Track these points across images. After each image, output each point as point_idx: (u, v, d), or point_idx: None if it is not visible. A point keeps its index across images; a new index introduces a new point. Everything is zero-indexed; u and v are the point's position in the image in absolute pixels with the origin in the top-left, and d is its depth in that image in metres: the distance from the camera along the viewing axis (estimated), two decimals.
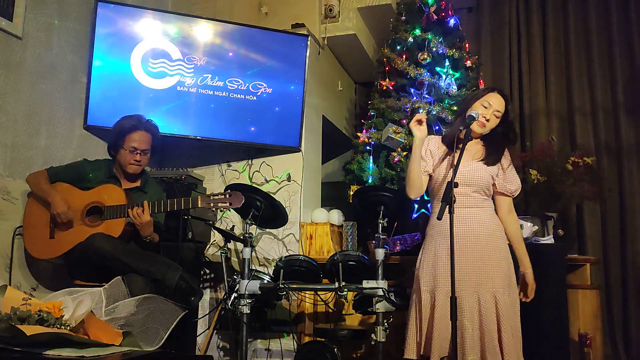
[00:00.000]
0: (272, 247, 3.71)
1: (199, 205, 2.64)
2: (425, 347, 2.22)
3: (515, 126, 2.48)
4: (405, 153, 3.55)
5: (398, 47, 3.85)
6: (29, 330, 1.56)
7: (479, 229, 2.27)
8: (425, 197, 3.40)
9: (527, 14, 4.56)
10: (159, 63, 3.51)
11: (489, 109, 2.31)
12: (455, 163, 2.10)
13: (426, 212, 3.49)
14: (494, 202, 2.40)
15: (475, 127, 2.28)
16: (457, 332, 2.13)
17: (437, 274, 2.26)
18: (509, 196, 2.38)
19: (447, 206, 1.97)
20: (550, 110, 4.36)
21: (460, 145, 2.14)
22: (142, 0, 3.71)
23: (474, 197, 2.31)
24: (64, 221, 2.68)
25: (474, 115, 2.24)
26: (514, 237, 2.36)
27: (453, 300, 1.90)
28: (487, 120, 2.31)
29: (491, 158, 2.34)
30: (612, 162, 4.17)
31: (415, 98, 3.65)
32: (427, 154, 2.44)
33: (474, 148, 2.38)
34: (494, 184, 2.35)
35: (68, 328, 1.70)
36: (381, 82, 3.85)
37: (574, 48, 4.39)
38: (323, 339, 3.03)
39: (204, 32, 3.63)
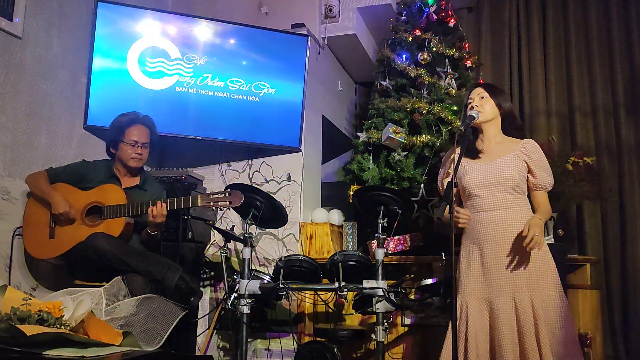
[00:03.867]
0: (272, 247, 3.70)
1: (199, 204, 2.64)
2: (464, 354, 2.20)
3: (516, 116, 2.49)
4: (405, 153, 3.55)
5: (398, 47, 3.85)
6: (29, 330, 1.56)
7: (511, 231, 2.23)
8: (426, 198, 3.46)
9: (527, 14, 4.56)
10: (157, 62, 3.50)
11: (473, 101, 2.38)
12: (456, 163, 2.10)
13: (426, 212, 3.49)
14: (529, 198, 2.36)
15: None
16: (495, 338, 2.15)
17: (470, 280, 2.26)
18: (542, 190, 2.33)
19: (448, 206, 1.98)
20: (550, 110, 4.36)
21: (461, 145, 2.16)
22: (142, 0, 3.71)
23: (501, 197, 2.27)
24: (67, 220, 2.68)
25: (474, 115, 2.27)
26: (539, 209, 2.29)
27: (454, 303, 1.91)
28: (477, 106, 2.35)
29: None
30: (612, 162, 4.17)
31: (415, 98, 3.65)
32: (451, 166, 2.44)
33: (498, 147, 2.37)
34: (528, 180, 2.32)
35: (68, 328, 1.70)
36: (381, 82, 3.85)
37: (574, 48, 4.39)
38: (323, 339, 3.02)
39: (204, 32, 3.63)
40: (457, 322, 2.23)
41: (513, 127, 2.42)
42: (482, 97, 2.37)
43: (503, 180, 2.27)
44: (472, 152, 2.38)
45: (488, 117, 2.37)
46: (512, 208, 2.27)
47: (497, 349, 2.13)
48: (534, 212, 2.31)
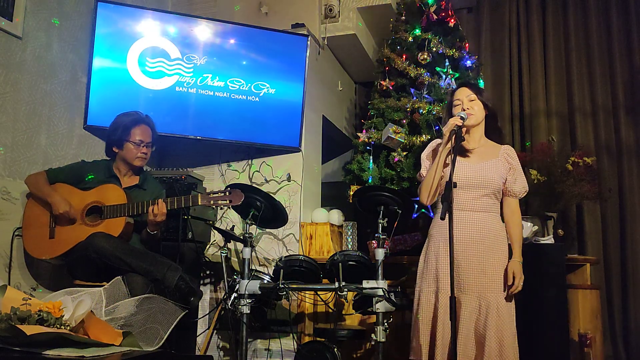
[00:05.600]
0: (272, 247, 3.70)
1: (200, 203, 2.65)
2: (430, 350, 2.21)
3: (499, 121, 2.51)
4: (405, 153, 3.55)
5: (398, 47, 3.85)
6: (29, 330, 1.56)
7: (483, 234, 2.25)
8: None
9: (527, 14, 4.56)
10: (157, 62, 3.50)
11: (462, 103, 2.35)
12: (452, 165, 2.10)
13: (426, 212, 3.49)
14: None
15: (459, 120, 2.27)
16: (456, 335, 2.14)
17: (440, 276, 2.25)
18: (514, 197, 2.36)
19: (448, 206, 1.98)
20: (550, 110, 4.36)
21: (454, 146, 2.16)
22: (142, 0, 3.71)
23: (482, 200, 2.28)
24: (68, 220, 2.68)
25: (464, 115, 2.25)
26: (512, 237, 2.32)
27: (452, 300, 1.90)
28: (468, 108, 2.33)
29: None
30: (612, 162, 4.17)
31: (415, 98, 3.64)
32: (430, 158, 2.46)
33: (482, 149, 2.38)
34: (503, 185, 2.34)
35: (68, 328, 1.69)
36: (381, 82, 3.85)
37: (574, 48, 4.38)
38: (323, 339, 3.03)
39: (204, 32, 3.63)
40: (423, 313, 2.25)
41: (493, 128, 2.43)
42: (472, 100, 2.35)
43: (487, 184, 2.28)
44: (461, 151, 2.36)
45: (479, 119, 2.37)
46: (487, 212, 2.29)
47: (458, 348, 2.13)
48: (501, 216, 2.33)
